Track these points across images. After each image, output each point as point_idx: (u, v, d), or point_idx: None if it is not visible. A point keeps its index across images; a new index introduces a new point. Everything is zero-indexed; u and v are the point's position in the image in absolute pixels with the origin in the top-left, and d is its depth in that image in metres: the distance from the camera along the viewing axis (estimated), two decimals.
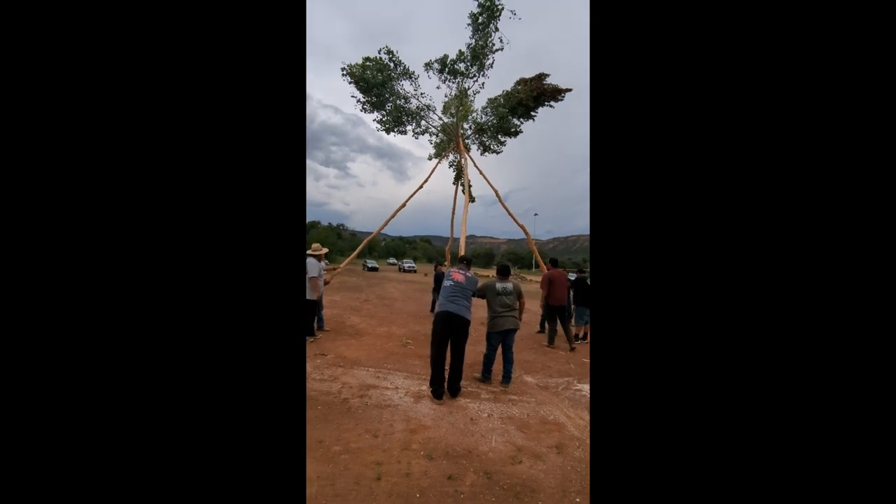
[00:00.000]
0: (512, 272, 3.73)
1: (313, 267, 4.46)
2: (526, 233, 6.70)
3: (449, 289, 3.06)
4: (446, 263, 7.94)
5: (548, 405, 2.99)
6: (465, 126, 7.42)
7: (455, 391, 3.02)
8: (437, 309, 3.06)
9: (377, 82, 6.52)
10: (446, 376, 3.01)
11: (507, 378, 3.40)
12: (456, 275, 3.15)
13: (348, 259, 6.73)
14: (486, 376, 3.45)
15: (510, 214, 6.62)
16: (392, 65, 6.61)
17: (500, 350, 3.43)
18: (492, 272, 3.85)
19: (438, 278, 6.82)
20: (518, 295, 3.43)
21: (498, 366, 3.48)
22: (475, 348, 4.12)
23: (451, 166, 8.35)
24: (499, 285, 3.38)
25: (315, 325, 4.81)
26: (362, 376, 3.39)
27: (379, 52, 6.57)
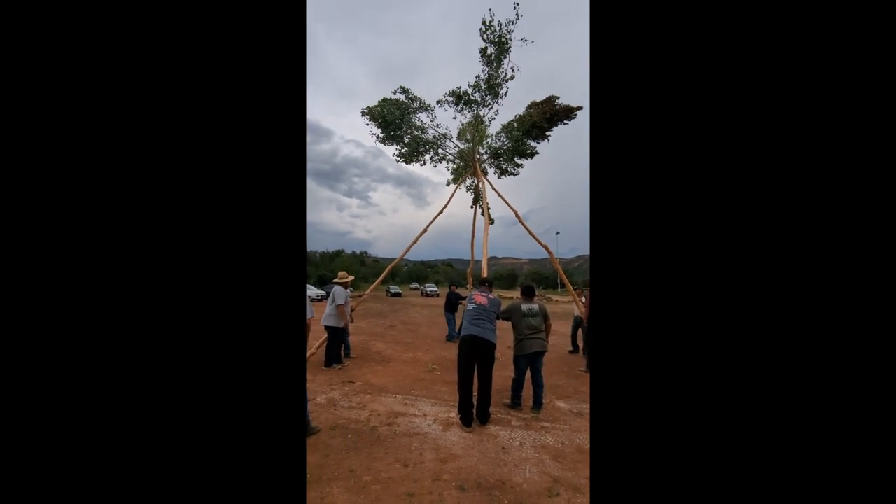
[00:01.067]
0: (536, 293, 3.67)
1: (340, 295, 4.59)
2: (549, 252, 6.61)
3: (472, 312, 3.03)
4: (468, 286, 7.92)
5: (584, 433, 2.84)
6: (481, 151, 7.61)
7: (484, 418, 2.93)
8: (461, 333, 3.03)
9: (394, 118, 6.88)
10: (474, 402, 2.94)
11: (537, 404, 3.28)
12: (479, 297, 3.12)
13: (373, 286, 6.85)
14: (515, 402, 3.34)
15: (531, 234, 6.58)
16: (408, 101, 6.98)
17: (528, 374, 3.34)
18: (515, 294, 3.79)
19: (451, 298, 6.83)
20: (544, 316, 3.36)
21: (527, 391, 3.37)
22: (503, 373, 4.01)
23: (468, 190, 8.51)
24: (524, 306, 3.33)
25: (342, 352, 4.87)
26: (390, 403, 3.37)
27: (395, 93, 6.98)
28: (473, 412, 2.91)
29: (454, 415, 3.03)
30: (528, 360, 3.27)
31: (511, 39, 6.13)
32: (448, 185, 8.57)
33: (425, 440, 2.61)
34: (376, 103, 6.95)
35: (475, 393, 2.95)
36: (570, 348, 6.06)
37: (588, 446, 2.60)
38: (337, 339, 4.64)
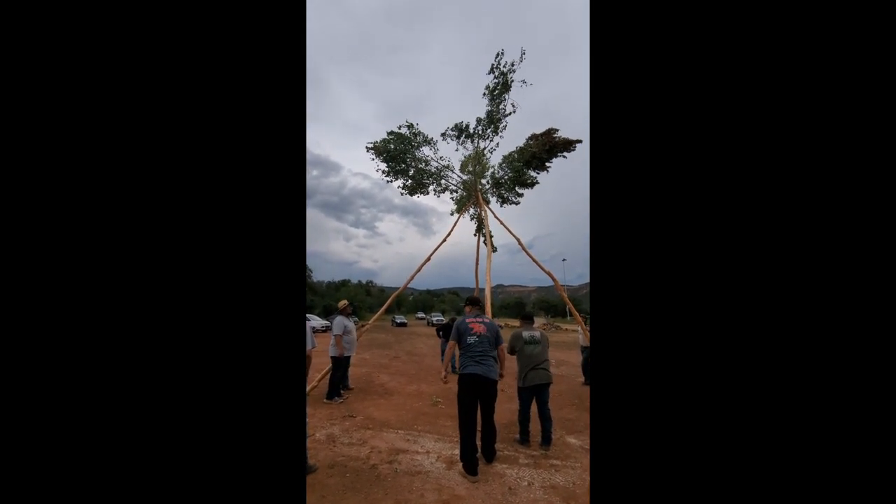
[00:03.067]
0: (545, 321, 3.59)
1: (337, 325, 4.60)
2: (553, 279, 6.54)
3: (475, 346, 2.76)
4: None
5: None
6: (483, 181, 7.80)
7: (490, 455, 2.77)
8: (462, 370, 2.76)
9: (399, 152, 7.17)
10: (478, 446, 2.71)
11: (546, 439, 3.10)
12: (477, 326, 2.84)
13: (376, 315, 6.79)
14: (523, 438, 3.17)
15: (535, 262, 6.56)
16: (412, 135, 7.30)
17: (536, 407, 3.19)
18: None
19: (446, 327, 6.72)
20: (545, 345, 3.27)
21: (535, 425, 3.21)
22: (510, 406, 3.85)
23: (472, 219, 8.62)
24: (525, 333, 3.26)
25: (342, 384, 4.75)
26: (392, 439, 3.23)
27: (400, 128, 7.32)
28: (479, 452, 2.70)
29: (457, 452, 2.88)
30: (532, 393, 3.14)
31: (513, 80, 6.51)
32: (452, 214, 8.72)
33: (427, 479, 2.48)
34: (382, 138, 7.26)
35: (478, 430, 2.79)
36: (584, 380, 5.89)
37: None
38: (340, 370, 4.56)
